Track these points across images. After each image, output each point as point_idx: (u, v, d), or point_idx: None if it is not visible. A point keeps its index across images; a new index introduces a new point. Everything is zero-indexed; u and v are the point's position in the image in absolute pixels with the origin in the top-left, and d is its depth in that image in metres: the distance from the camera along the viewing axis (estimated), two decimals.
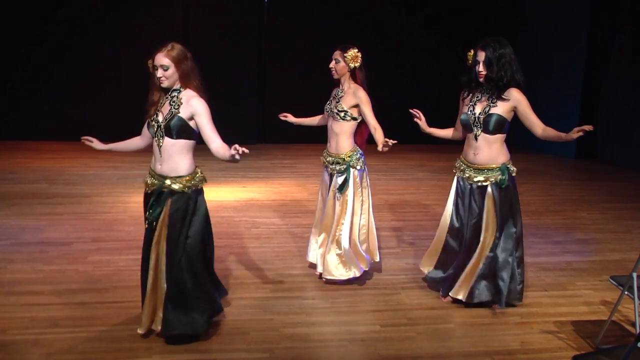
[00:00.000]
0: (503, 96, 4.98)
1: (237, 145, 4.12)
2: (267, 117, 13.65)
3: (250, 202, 8.62)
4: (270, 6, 13.64)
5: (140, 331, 4.48)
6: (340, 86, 5.53)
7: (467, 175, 5.15)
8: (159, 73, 4.28)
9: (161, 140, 4.35)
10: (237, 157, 4.14)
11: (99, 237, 6.82)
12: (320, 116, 5.93)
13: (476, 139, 5.07)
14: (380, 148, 5.14)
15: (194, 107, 4.35)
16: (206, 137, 4.40)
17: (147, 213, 4.44)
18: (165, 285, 4.38)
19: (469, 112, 5.06)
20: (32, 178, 9.57)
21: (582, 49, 12.68)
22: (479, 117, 5.01)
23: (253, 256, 6.39)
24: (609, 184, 10.56)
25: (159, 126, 4.34)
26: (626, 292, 4.32)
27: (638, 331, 4.23)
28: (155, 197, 4.39)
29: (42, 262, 6.00)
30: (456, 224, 5.28)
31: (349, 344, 4.60)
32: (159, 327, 4.44)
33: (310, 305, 5.25)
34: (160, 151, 4.37)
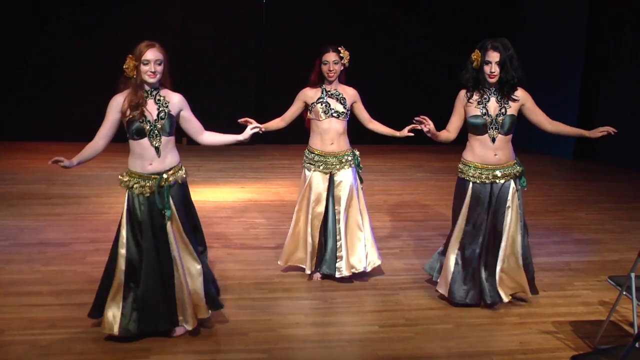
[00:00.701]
0: (513, 96, 5.04)
1: (255, 125, 4.67)
2: (265, 117, 13.61)
3: (248, 203, 8.62)
4: (269, 6, 13.66)
5: (190, 327, 4.54)
6: (330, 86, 5.60)
7: (490, 176, 5.09)
8: (152, 67, 4.32)
9: (160, 140, 4.39)
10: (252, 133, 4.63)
11: (98, 237, 6.81)
12: (280, 119, 5.94)
13: (493, 141, 5.06)
14: (406, 133, 5.46)
15: (181, 103, 4.53)
16: (196, 128, 4.66)
17: (164, 209, 4.42)
18: (200, 271, 4.55)
19: (483, 114, 5.03)
20: (31, 179, 9.58)
21: (581, 49, 12.68)
22: (496, 119, 5.02)
23: (252, 257, 6.39)
24: (607, 185, 10.57)
25: (153, 126, 4.37)
26: (624, 293, 4.32)
27: (636, 331, 4.24)
28: (157, 194, 4.40)
29: (41, 263, 6.00)
30: (472, 231, 5.16)
31: (348, 345, 4.60)
32: (204, 314, 4.59)
33: (308, 306, 5.25)
34: (158, 150, 4.40)
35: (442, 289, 5.30)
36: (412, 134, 5.40)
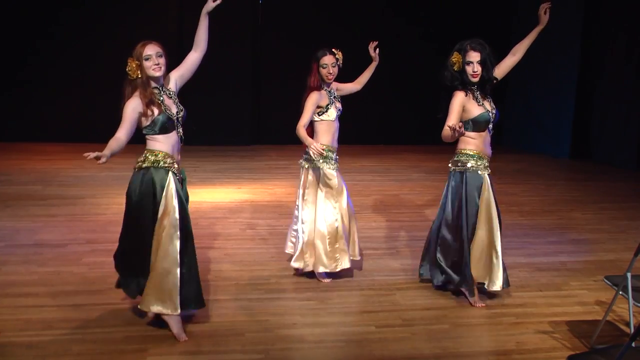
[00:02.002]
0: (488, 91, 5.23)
1: None
2: (261, 118, 13.65)
3: (245, 203, 8.62)
4: (265, 7, 13.66)
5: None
6: (329, 88, 5.68)
7: (486, 166, 5.21)
8: (155, 61, 4.42)
9: (181, 131, 4.56)
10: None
11: (94, 238, 6.80)
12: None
13: (489, 134, 5.23)
14: (376, 55, 5.97)
15: (175, 77, 4.67)
16: (192, 60, 4.74)
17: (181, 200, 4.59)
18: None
19: (487, 110, 5.14)
20: (27, 180, 9.55)
21: (576, 51, 12.70)
22: (493, 114, 5.16)
23: (248, 257, 6.38)
24: (603, 185, 10.58)
25: (176, 119, 4.50)
26: (620, 292, 4.33)
27: (632, 331, 4.24)
28: (184, 184, 4.65)
29: (37, 264, 5.99)
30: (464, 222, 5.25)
31: (344, 345, 4.60)
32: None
33: (305, 307, 5.25)
34: (182, 141, 4.59)
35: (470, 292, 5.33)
36: (377, 50, 5.88)
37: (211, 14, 4.67)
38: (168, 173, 4.47)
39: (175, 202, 4.47)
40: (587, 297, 5.58)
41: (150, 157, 4.48)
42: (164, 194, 4.45)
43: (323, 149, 5.26)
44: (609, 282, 4.55)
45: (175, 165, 4.53)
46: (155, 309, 4.53)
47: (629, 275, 4.22)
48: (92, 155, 3.98)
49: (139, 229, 4.52)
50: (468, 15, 13.70)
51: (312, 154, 5.33)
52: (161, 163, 4.46)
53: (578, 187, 10.43)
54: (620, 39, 12.15)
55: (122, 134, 4.33)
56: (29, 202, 8.20)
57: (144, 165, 4.47)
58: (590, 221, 8.21)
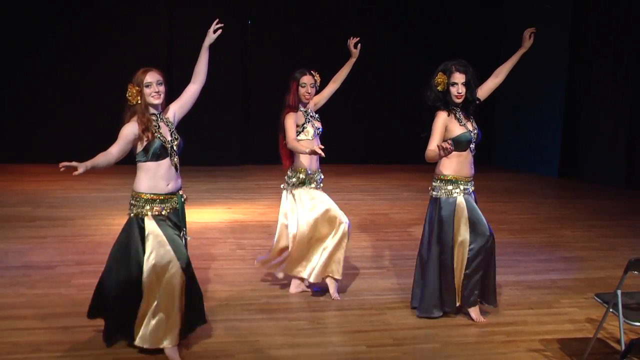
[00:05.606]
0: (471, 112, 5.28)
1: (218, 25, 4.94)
2: (251, 138, 13.65)
3: (235, 224, 8.60)
4: (254, 28, 13.71)
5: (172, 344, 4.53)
6: (305, 108, 5.73)
7: (469, 187, 5.25)
8: (155, 88, 4.45)
9: (176, 158, 4.54)
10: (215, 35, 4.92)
11: (83, 260, 6.76)
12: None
13: (472, 154, 5.25)
14: (356, 51, 6.16)
15: (174, 109, 4.74)
16: (191, 92, 4.93)
17: (183, 232, 4.69)
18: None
19: (468, 130, 5.18)
20: (15, 201, 9.50)
21: (563, 69, 12.80)
22: (475, 134, 5.20)
23: (238, 278, 6.36)
24: (592, 202, 10.62)
25: (170, 146, 4.49)
26: (611, 310, 4.33)
27: (623, 348, 4.25)
28: (179, 214, 4.64)
29: (25, 286, 5.94)
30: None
31: None
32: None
33: (295, 327, 5.23)
34: (177, 169, 4.56)
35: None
36: (358, 45, 6.07)
37: (201, 35, 4.72)
38: (144, 222, 4.47)
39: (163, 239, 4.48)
40: (578, 314, 5.59)
41: (134, 208, 4.48)
42: (148, 242, 4.45)
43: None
44: (599, 300, 4.56)
45: (159, 208, 4.49)
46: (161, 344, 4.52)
47: (619, 292, 4.23)
48: (67, 164, 3.96)
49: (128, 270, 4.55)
50: (459, 35, 13.81)
51: (318, 152, 5.18)
52: (143, 212, 4.45)
53: (567, 205, 10.47)
54: (606, 57, 12.25)
55: (114, 150, 4.35)
56: (18, 224, 8.15)
57: (130, 214, 4.52)
58: (579, 239, 8.23)
